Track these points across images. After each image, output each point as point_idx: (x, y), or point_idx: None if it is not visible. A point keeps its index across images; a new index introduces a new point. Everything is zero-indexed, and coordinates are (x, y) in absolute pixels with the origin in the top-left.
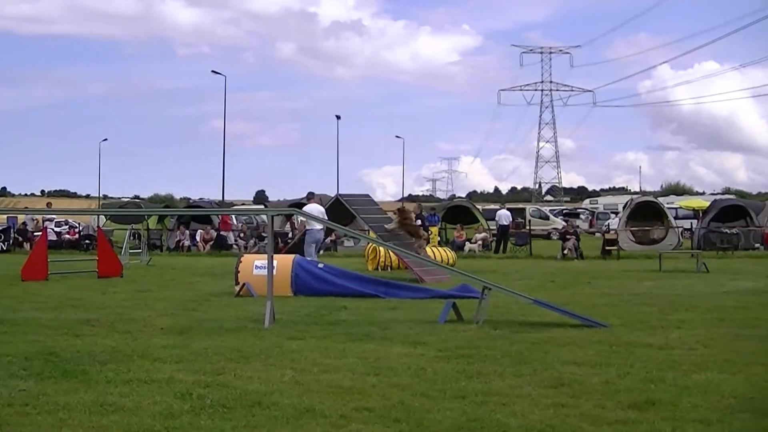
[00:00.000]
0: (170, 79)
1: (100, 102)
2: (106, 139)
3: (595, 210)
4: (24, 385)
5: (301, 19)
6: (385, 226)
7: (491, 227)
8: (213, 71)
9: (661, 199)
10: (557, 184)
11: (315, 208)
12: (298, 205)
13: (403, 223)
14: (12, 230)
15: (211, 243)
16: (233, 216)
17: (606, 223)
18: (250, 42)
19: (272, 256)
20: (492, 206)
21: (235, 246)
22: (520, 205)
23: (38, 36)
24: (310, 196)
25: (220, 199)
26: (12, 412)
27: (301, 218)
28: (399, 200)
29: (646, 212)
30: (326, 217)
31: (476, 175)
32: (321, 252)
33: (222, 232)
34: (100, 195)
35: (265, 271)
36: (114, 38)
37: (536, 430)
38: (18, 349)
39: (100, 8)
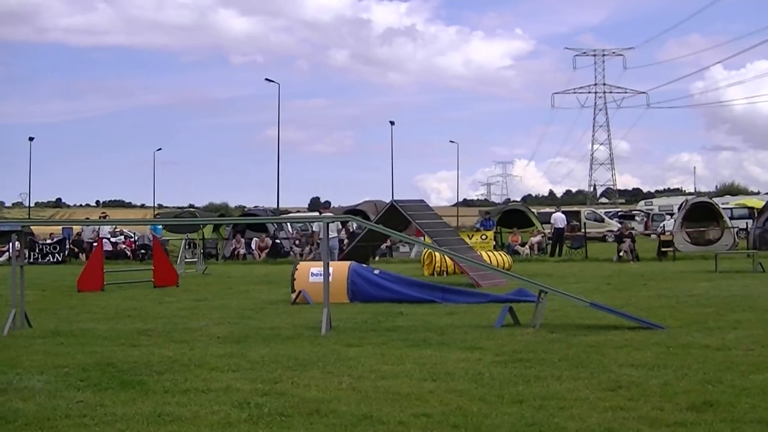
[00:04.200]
0: (224, 88)
1: (154, 112)
2: (160, 149)
3: (650, 212)
4: (82, 396)
5: (354, 27)
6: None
7: (546, 230)
8: (267, 79)
9: (716, 200)
10: (612, 187)
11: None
12: (354, 212)
13: None
14: (67, 241)
15: (267, 251)
16: (288, 223)
17: (661, 225)
18: (303, 50)
19: (328, 264)
20: (547, 209)
21: (291, 253)
22: (575, 208)
23: (91, 47)
24: (327, 205)
25: (275, 206)
26: (70, 423)
27: (314, 228)
28: (454, 205)
29: (701, 213)
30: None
31: (531, 178)
32: (376, 258)
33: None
34: (155, 204)
35: (321, 279)
36: (167, 48)
37: None
38: (75, 360)
39: (153, 18)
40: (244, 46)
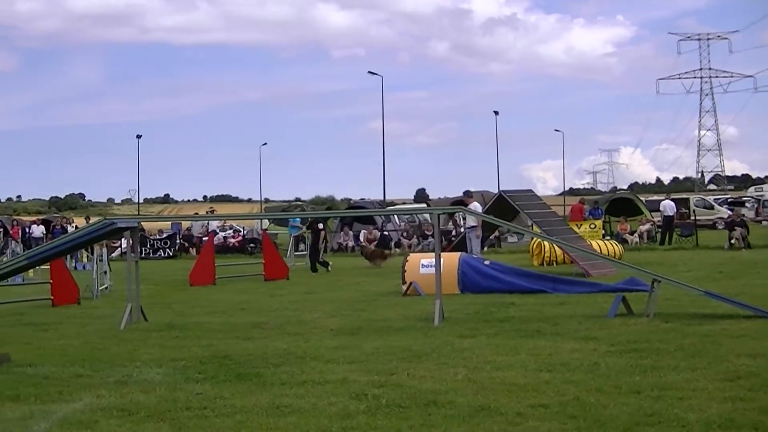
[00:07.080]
0: (326, 82)
1: (258, 107)
2: (266, 143)
3: (760, 198)
4: (200, 388)
5: (454, 17)
6: None
7: (656, 218)
8: (369, 72)
9: None
10: (720, 173)
11: (478, 207)
12: (460, 202)
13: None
14: (178, 236)
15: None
16: (395, 215)
17: None
18: (404, 42)
19: (440, 255)
20: (655, 197)
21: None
22: (684, 195)
23: (193, 45)
24: (469, 194)
25: (382, 198)
26: (191, 415)
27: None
28: (560, 194)
29: None
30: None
31: (637, 166)
32: (485, 249)
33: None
34: (262, 198)
35: (431, 270)
36: (268, 44)
37: (716, 424)
38: (192, 354)
39: (253, 15)
40: (345, 39)
